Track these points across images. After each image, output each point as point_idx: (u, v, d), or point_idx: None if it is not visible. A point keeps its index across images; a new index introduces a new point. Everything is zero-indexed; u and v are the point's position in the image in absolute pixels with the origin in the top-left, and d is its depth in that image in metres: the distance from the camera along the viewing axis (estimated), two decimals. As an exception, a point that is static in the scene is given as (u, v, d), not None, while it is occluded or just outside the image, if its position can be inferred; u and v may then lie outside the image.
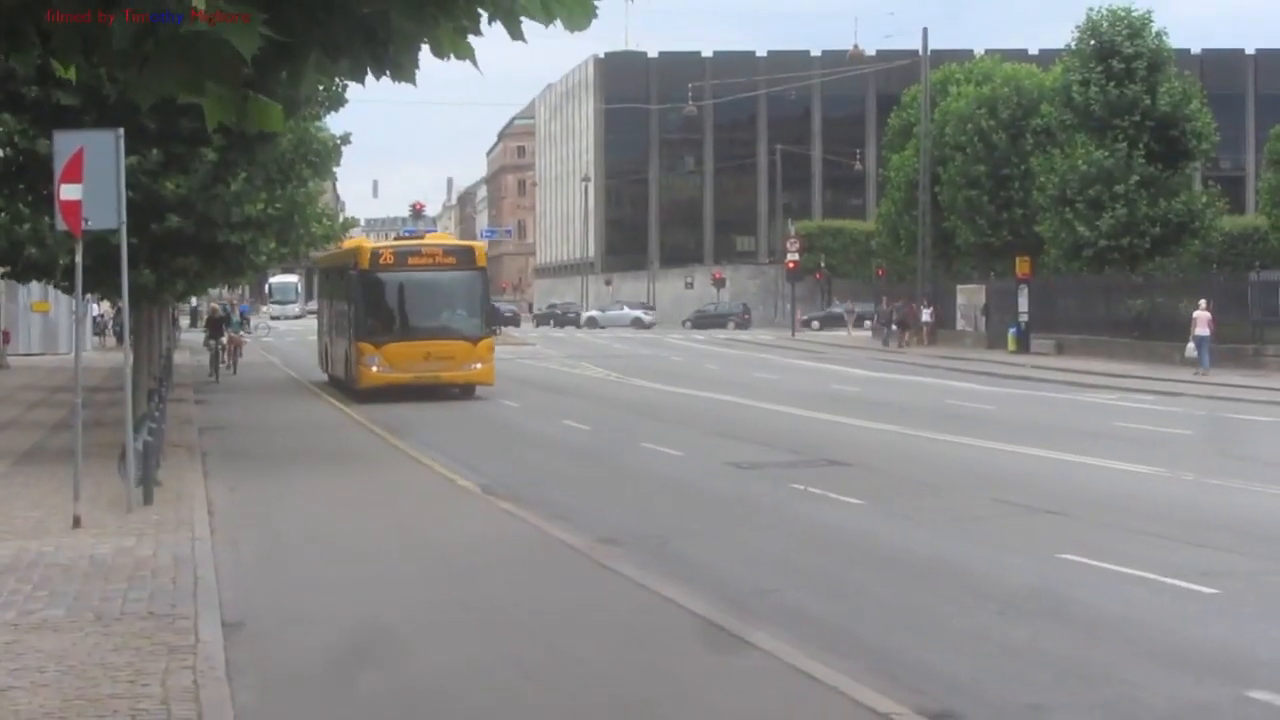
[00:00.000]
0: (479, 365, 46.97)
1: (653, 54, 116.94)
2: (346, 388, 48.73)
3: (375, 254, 49.06)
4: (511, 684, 11.93)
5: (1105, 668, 12.64)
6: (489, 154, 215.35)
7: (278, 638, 13.09)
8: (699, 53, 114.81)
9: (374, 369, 45.40)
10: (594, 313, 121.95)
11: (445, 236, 78.82)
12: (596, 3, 5.98)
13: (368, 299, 47.10)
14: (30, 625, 12.94)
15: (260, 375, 60.45)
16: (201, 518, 19.51)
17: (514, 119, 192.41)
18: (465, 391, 47.54)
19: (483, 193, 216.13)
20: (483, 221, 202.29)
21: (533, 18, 5.88)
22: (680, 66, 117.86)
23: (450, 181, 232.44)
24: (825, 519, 20.99)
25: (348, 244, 53.33)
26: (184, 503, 20.75)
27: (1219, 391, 43.82)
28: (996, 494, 23.16)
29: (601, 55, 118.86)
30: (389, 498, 23.14)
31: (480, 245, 55.87)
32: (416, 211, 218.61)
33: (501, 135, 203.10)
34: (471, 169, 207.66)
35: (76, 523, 18.53)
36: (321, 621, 14.08)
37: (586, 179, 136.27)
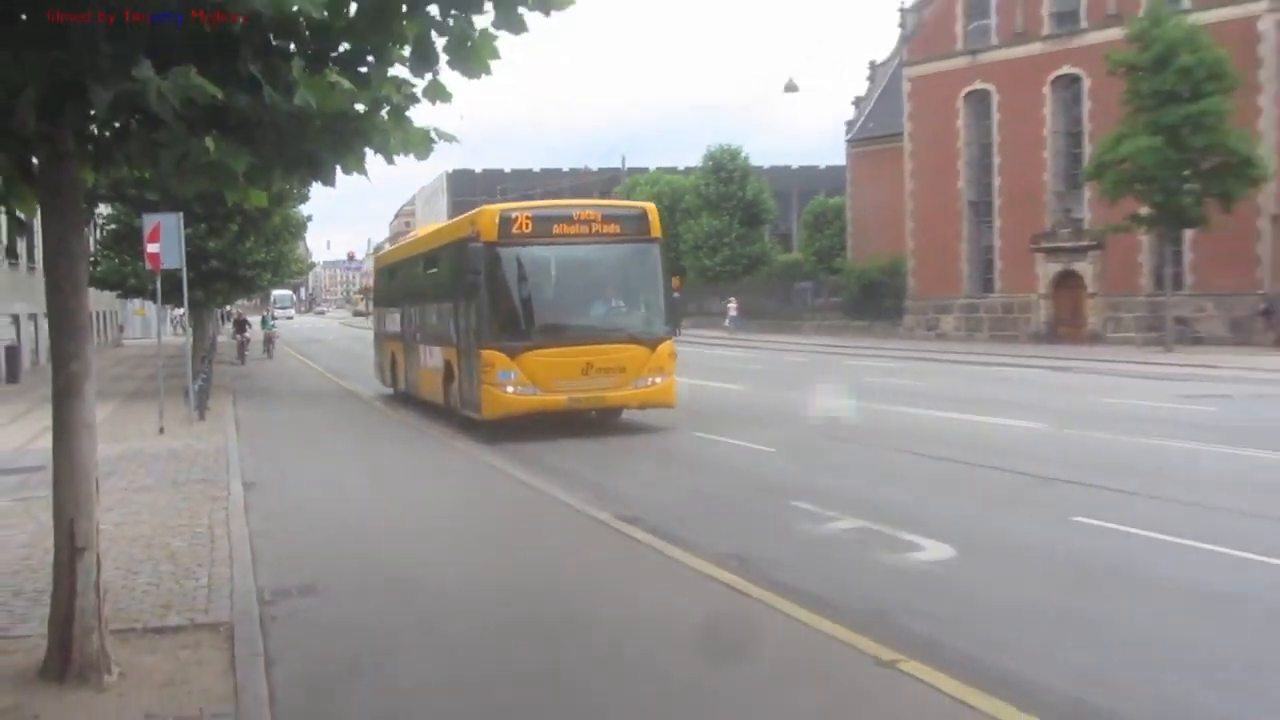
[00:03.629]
0: (658, 380, 18.91)
1: (478, 170, 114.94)
2: (451, 414, 20.00)
3: (507, 220, 18.74)
4: (428, 521, 12.07)
5: (715, 490, 12.92)
6: (390, 223, 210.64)
7: (272, 491, 13.03)
8: (503, 169, 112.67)
9: (508, 389, 18.16)
10: None
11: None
12: (435, 145, 6.20)
13: (495, 285, 18.53)
14: (135, 489, 12.78)
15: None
16: (232, 427, 19.27)
17: (403, 205, 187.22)
18: (606, 415, 19.43)
19: (387, 246, 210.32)
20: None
21: (398, 152, 6.10)
22: (493, 177, 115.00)
23: (369, 240, 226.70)
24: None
25: (458, 220, 22.96)
26: (222, 419, 20.46)
27: (784, 347, 44.43)
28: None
29: (450, 170, 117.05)
30: (331, 411, 22.80)
31: (652, 207, 20.46)
32: (350, 258, 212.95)
33: (397, 214, 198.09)
34: (383, 232, 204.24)
35: (161, 431, 18.34)
36: (297, 477, 14.15)
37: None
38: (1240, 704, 6.03)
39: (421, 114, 5.99)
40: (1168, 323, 37.07)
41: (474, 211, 18.89)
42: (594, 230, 18.05)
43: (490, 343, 17.35)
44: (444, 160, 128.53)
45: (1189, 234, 38.38)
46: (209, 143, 5.34)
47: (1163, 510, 10.79)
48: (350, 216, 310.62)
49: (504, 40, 5.75)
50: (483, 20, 5.77)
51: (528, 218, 17.74)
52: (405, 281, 24.94)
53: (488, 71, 5.72)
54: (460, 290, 18.61)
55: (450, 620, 7.66)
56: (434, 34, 5.79)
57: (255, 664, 6.46)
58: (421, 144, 6.19)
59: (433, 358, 21.14)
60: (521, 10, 5.70)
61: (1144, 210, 35.61)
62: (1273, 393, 23.14)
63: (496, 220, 17.65)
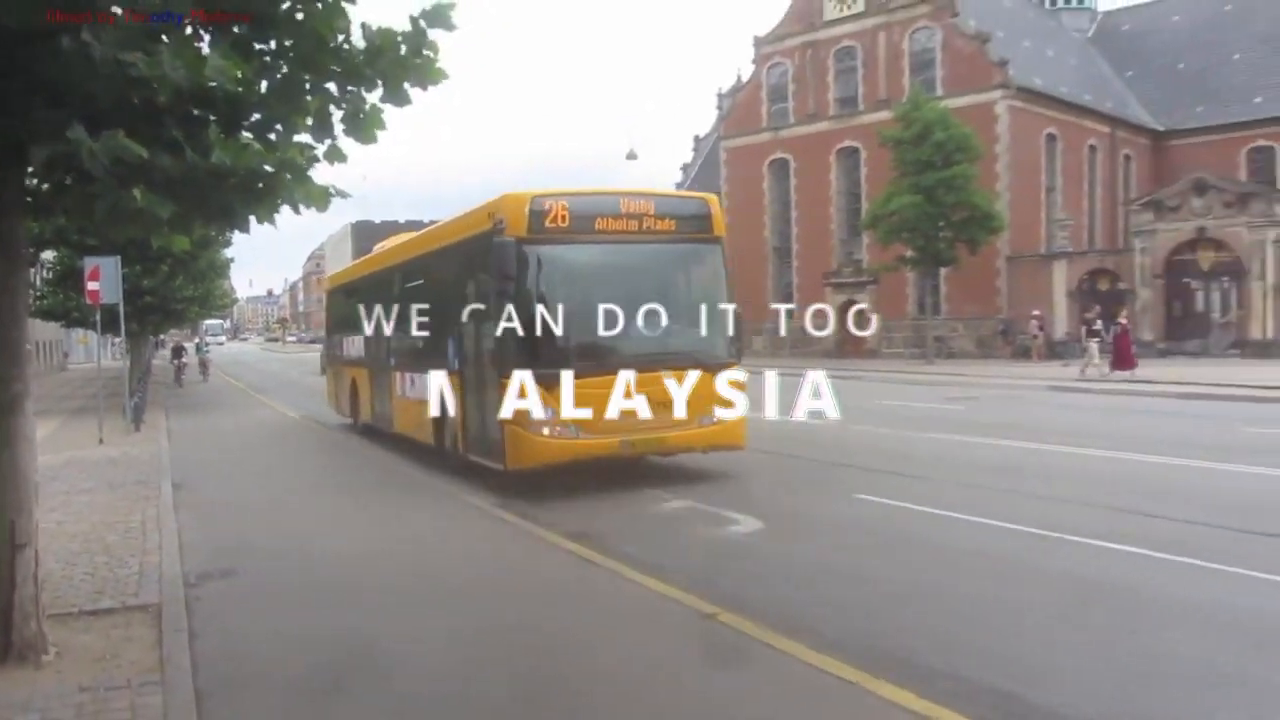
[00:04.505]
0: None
1: (377, 221, 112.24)
2: (446, 458, 13.21)
3: (539, 210, 10.98)
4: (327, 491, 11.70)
5: (566, 478, 11.68)
6: (304, 265, 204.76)
7: (197, 490, 12.51)
8: (398, 220, 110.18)
9: (544, 431, 10.76)
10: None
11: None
12: (334, 199, 6.06)
13: (525, 294, 10.83)
14: (76, 491, 12.10)
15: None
16: (164, 437, 18.38)
17: (314, 250, 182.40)
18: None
19: (300, 286, 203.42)
20: (302, 299, 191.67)
21: (302, 204, 5.91)
22: (391, 226, 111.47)
23: (286, 279, 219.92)
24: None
25: (465, 215, 12.88)
26: (156, 430, 19.56)
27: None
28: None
29: (354, 221, 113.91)
30: (252, 422, 21.92)
31: (714, 199, 12.58)
32: (269, 294, 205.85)
33: (309, 257, 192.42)
34: (298, 273, 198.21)
35: (101, 442, 17.39)
36: (220, 478, 13.53)
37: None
38: (974, 629, 6.19)
39: (326, 174, 5.85)
40: (928, 341, 38.42)
41: (494, 200, 11.67)
42: (645, 226, 11.62)
43: (519, 369, 10.78)
44: (350, 212, 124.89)
45: (944, 271, 39.84)
46: (137, 194, 5.11)
47: (928, 488, 11.08)
48: (270, 259, 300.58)
49: (395, 111, 5.68)
50: (373, 96, 5.69)
51: (564, 208, 11.15)
52: (374, 299, 17.21)
53: (374, 140, 5.64)
54: (469, 302, 12.15)
55: (351, 588, 7.46)
56: (332, 107, 5.69)
57: (180, 638, 6.16)
58: (321, 199, 6.00)
59: (417, 387, 14.33)
60: (405, 85, 5.64)
61: (909, 253, 36.84)
62: (1008, 395, 24.15)
63: (527, 210, 11.04)
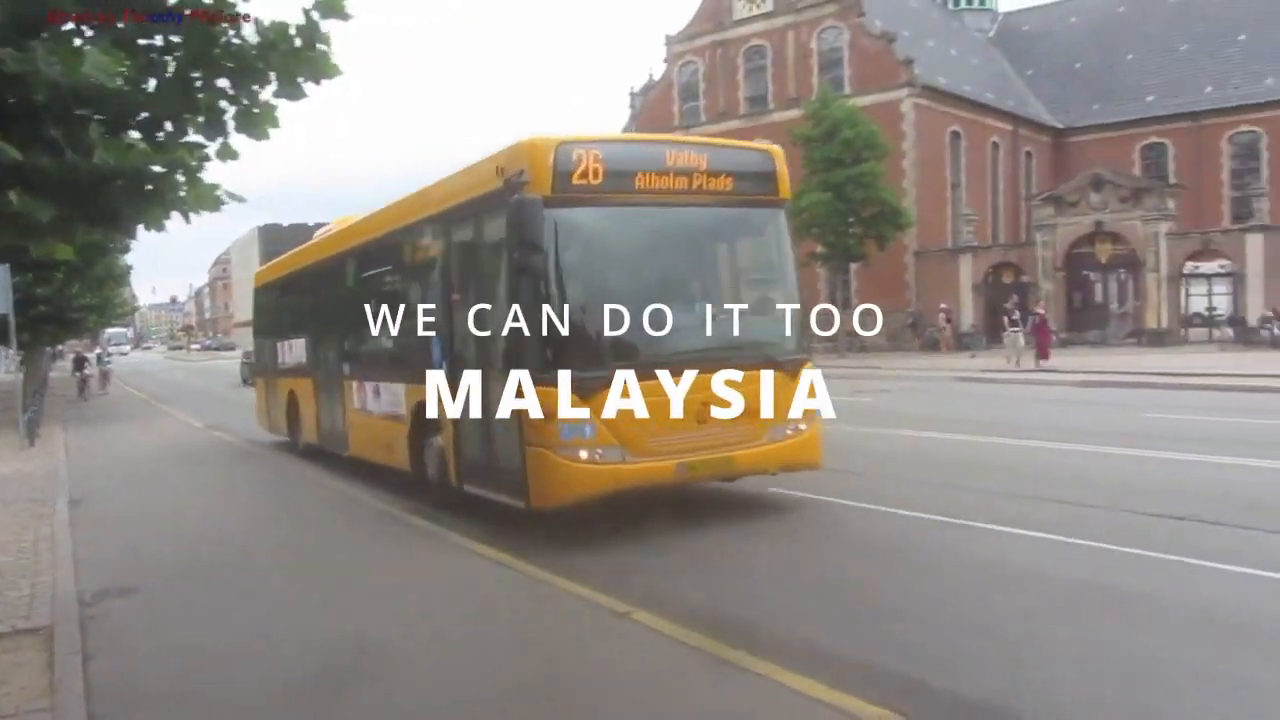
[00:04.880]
0: (803, 427, 9.02)
1: (285, 224, 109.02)
2: (428, 489, 10.41)
3: (567, 160, 8.03)
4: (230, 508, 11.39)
5: None
6: (209, 270, 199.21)
7: (96, 506, 12.04)
8: (306, 223, 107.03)
9: (581, 454, 7.83)
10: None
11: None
12: (225, 203, 5.88)
13: (552, 274, 7.90)
14: (-35, 510, 11.62)
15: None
16: (62, 451, 17.70)
17: (220, 255, 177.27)
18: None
19: (206, 292, 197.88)
20: (208, 306, 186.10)
21: (189, 209, 5.73)
22: (299, 230, 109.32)
23: (191, 285, 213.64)
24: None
25: (468, 169, 9.30)
26: (53, 445, 18.84)
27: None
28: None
29: (261, 224, 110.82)
30: (155, 432, 21.20)
31: (779, 151, 9.44)
32: (173, 301, 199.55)
33: (215, 263, 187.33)
34: (204, 278, 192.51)
35: (-9, 459, 16.70)
36: (122, 494, 13.03)
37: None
38: (882, 618, 6.23)
39: (222, 175, 5.66)
40: (839, 334, 39.02)
41: (505, 150, 8.72)
42: (697, 185, 8.84)
43: (545, 372, 8.07)
44: (256, 215, 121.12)
45: (854, 266, 40.54)
46: (13, 196, 4.90)
47: (838, 479, 11.15)
48: (173, 265, 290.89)
49: (294, 107, 5.56)
50: (266, 92, 5.55)
51: (598, 159, 8.34)
52: (322, 292, 14.40)
53: (267, 136, 5.50)
54: (466, 286, 9.45)
55: (255, 598, 7.24)
56: (224, 103, 5.53)
57: (73, 661, 5.90)
58: (211, 200, 5.82)
59: (385, 399, 11.73)
60: (299, 79, 5.51)
61: (819, 249, 37.40)
62: (917, 386, 24.63)
63: (552, 159, 8.22)
